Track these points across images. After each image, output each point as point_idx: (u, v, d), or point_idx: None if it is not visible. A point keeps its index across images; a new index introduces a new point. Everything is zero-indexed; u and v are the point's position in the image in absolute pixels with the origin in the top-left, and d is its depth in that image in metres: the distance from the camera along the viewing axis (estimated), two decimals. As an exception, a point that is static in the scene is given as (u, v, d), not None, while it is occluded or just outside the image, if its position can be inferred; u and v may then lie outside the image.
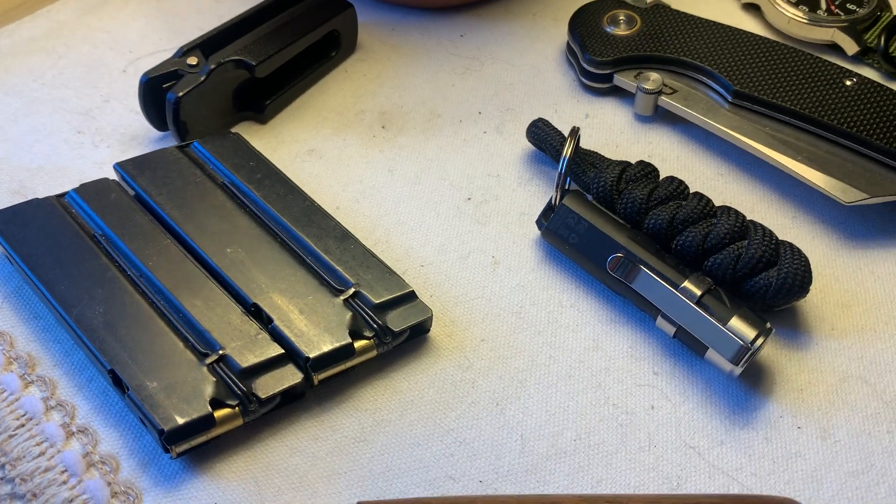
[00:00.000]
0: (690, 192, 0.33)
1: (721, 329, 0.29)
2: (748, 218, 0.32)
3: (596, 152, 0.36)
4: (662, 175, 0.34)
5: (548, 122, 0.37)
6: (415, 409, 0.30)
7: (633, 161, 0.35)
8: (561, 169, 0.33)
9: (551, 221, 0.33)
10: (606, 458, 0.29)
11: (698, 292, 0.30)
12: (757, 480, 0.29)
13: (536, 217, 0.35)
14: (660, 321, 0.31)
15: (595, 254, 0.32)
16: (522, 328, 0.32)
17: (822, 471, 0.29)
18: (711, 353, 0.30)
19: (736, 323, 0.29)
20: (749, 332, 0.29)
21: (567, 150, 0.33)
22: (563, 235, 0.33)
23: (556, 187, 0.33)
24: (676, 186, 0.33)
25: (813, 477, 0.29)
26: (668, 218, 0.32)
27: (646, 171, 0.34)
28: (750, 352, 0.29)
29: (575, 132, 0.34)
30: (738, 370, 0.30)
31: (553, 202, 0.34)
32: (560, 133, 0.36)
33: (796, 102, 0.36)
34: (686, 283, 0.30)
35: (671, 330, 0.31)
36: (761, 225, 0.32)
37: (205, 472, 0.28)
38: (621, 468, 0.29)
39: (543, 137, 0.36)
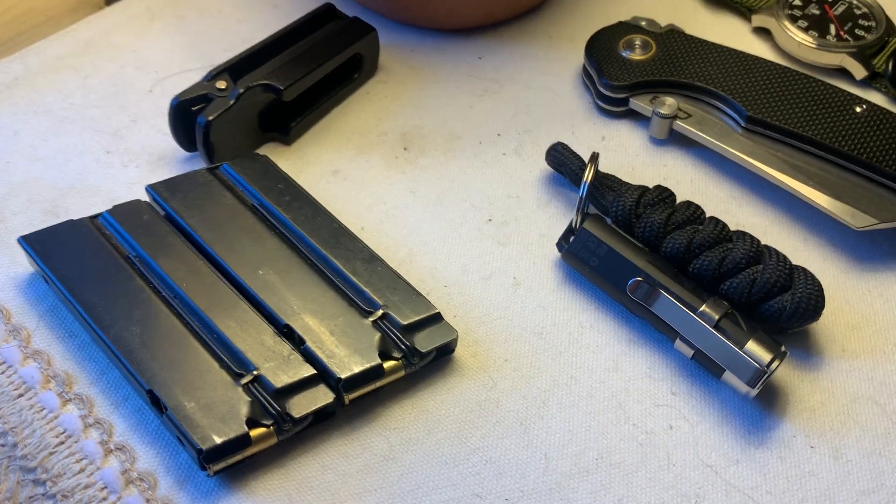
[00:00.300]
0: (706, 216, 0.34)
1: (738, 352, 0.30)
2: (762, 242, 0.34)
3: (614, 176, 0.37)
4: (678, 199, 0.35)
5: (567, 146, 0.38)
6: (441, 428, 0.31)
7: (649, 184, 0.36)
8: (582, 193, 0.34)
9: (572, 245, 0.34)
10: (627, 476, 0.30)
11: (716, 316, 0.31)
12: (772, 498, 0.30)
13: (556, 239, 0.36)
14: (678, 343, 0.32)
15: (615, 277, 0.33)
16: (544, 349, 0.33)
17: (834, 489, 0.30)
18: (728, 376, 0.31)
19: (752, 346, 0.30)
20: (765, 356, 0.30)
21: (588, 175, 0.34)
22: (583, 258, 0.34)
23: (577, 211, 0.35)
24: (693, 211, 0.34)
25: (826, 495, 0.30)
26: (686, 242, 0.33)
27: (663, 195, 0.35)
28: (766, 374, 0.30)
29: (595, 157, 0.35)
30: (753, 392, 0.31)
31: (574, 225, 0.35)
32: (579, 157, 0.37)
33: (808, 128, 0.38)
34: (704, 308, 0.31)
35: (689, 352, 0.32)
36: (775, 250, 0.33)
37: (240, 489, 0.29)
38: (642, 486, 0.30)
39: (563, 161, 0.37)
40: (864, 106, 0.38)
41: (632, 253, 0.33)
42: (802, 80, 0.39)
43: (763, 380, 0.30)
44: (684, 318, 0.31)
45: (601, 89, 0.41)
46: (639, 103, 0.40)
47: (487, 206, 0.38)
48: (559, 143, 0.38)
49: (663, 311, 0.32)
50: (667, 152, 0.40)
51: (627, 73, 0.41)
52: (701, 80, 0.40)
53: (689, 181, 0.39)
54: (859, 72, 0.42)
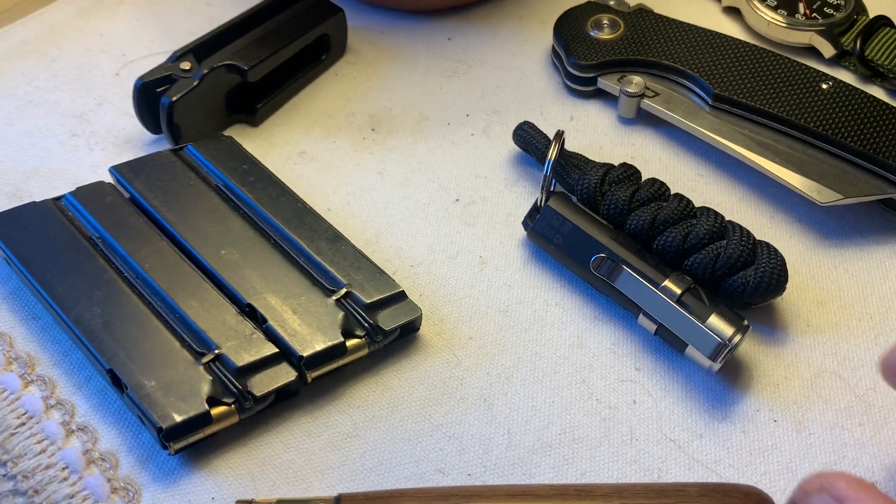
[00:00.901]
0: (671, 193, 0.34)
1: (700, 327, 0.30)
2: (727, 218, 0.34)
3: (580, 154, 0.37)
4: (644, 176, 0.35)
5: (533, 125, 0.38)
6: (405, 406, 0.31)
7: (616, 163, 0.36)
8: (546, 171, 0.34)
9: (537, 222, 0.34)
10: (590, 451, 0.30)
11: (678, 291, 0.31)
12: (734, 472, 0.30)
13: (523, 218, 0.36)
14: (641, 319, 0.32)
15: (579, 254, 0.33)
16: (509, 326, 0.33)
17: (796, 462, 0.30)
18: (691, 350, 0.31)
19: (714, 321, 0.30)
20: (727, 330, 0.30)
21: (552, 153, 0.34)
22: (548, 236, 0.34)
23: (542, 189, 0.34)
24: (658, 188, 0.34)
25: (788, 468, 0.30)
26: (650, 219, 0.33)
27: (628, 172, 0.35)
28: (728, 349, 0.30)
29: (559, 136, 0.35)
30: (716, 366, 0.31)
31: (538, 204, 0.35)
32: (545, 136, 0.37)
33: (774, 105, 0.38)
34: (666, 283, 0.31)
35: (652, 327, 0.32)
36: (739, 225, 0.33)
37: (202, 467, 0.29)
38: (604, 461, 0.30)
39: (529, 140, 0.37)
40: (830, 83, 0.38)
41: (595, 230, 0.33)
42: (769, 58, 0.39)
43: (725, 354, 0.30)
44: (647, 293, 0.31)
45: (569, 69, 0.41)
46: (607, 83, 0.40)
47: (455, 186, 0.38)
48: (525, 123, 0.38)
49: (626, 286, 0.32)
50: (635, 131, 0.40)
51: (595, 52, 0.40)
52: (668, 59, 0.40)
53: (656, 159, 0.39)
54: (828, 50, 0.42)
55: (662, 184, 0.34)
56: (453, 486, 0.27)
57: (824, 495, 0.25)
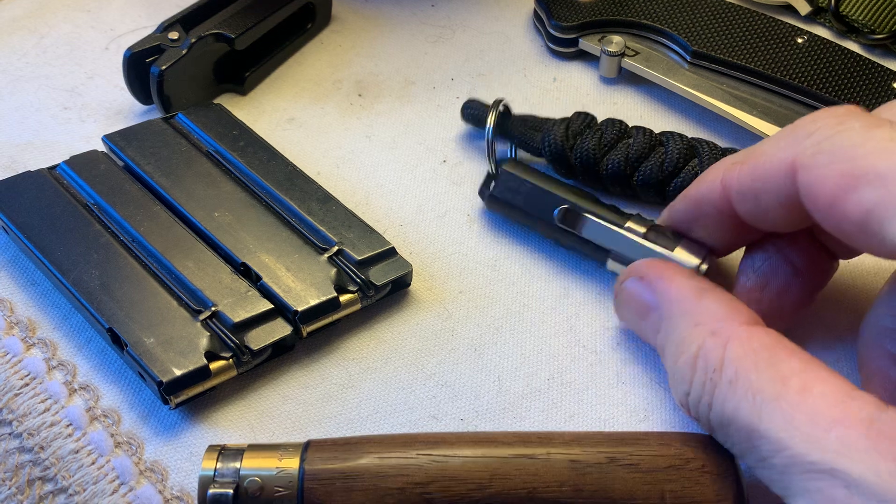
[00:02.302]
0: (630, 127, 0.35)
1: (669, 257, 0.31)
2: (690, 136, 0.35)
3: (532, 115, 0.37)
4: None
5: (475, 100, 0.38)
6: (398, 357, 0.32)
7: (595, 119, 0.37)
8: (488, 137, 0.35)
9: (496, 188, 0.35)
10: (578, 394, 0.31)
11: (642, 230, 0.32)
12: (718, 411, 0.31)
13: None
14: (610, 263, 0.33)
15: (541, 211, 0.33)
16: (497, 280, 0.34)
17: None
18: None
19: (680, 252, 0.31)
20: (693, 259, 0.31)
21: (490, 121, 0.35)
22: (508, 200, 0.34)
23: (489, 157, 0.35)
24: (620, 127, 0.35)
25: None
26: (623, 158, 0.34)
27: (587, 120, 0.36)
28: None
29: (497, 104, 0.36)
30: None
31: (491, 172, 0.35)
32: (488, 107, 0.37)
33: (751, 60, 0.38)
34: (629, 223, 0.32)
35: (621, 268, 0.32)
36: (705, 140, 0.35)
37: (202, 420, 0.30)
38: (592, 403, 0.31)
39: (476, 116, 0.38)
40: (806, 37, 0.39)
41: (554, 185, 0.34)
42: (745, 15, 0.40)
43: None
44: (613, 235, 0.32)
45: (551, 31, 0.41)
46: (588, 43, 0.41)
47: (441, 148, 0.39)
48: (468, 100, 0.38)
49: (592, 233, 0.32)
50: (617, 90, 0.41)
51: (576, 14, 0.41)
52: (647, 18, 0.41)
53: (638, 117, 0.40)
54: (804, 7, 0.43)
55: (621, 121, 0.35)
56: (418, 433, 0.28)
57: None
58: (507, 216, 0.36)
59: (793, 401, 0.23)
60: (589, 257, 0.34)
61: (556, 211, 0.33)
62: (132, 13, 0.44)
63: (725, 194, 0.28)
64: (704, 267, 0.31)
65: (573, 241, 0.33)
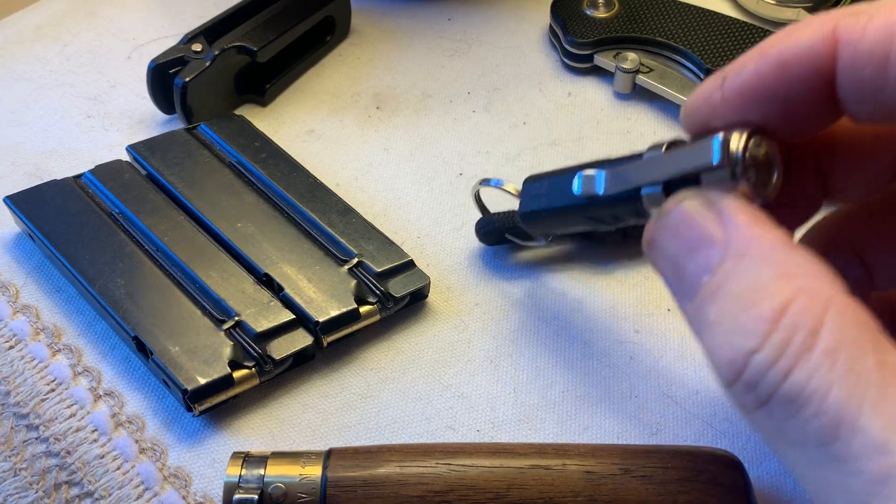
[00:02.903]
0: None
1: (705, 142, 0.24)
2: None
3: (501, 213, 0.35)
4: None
5: (487, 219, 0.36)
6: (416, 368, 0.33)
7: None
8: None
9: (524, 203, 0.31)
10: (592, 407, 0.32)
11: (663, 145, 0.26)
12: (729, 426, 0.32)
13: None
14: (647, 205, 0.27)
15: (565, 195, 0.29)
16: (513, 293, 0.35)
17: (787, 415, 0.32)
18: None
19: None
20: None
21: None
22: (537, 206, 0.31)
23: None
24: None
25: (779, 421, 0.32)
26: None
27: None
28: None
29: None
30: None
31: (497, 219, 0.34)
32: (503, 214, 0.35)
33: (764, 79, 0.39)
34: (646, 152, 0.26)
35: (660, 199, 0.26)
36: None
37: (225, 428, 0.31)
38: (606, 416, 0.32)
39: (491, 230, 0.36)
40: (818, 57, 0.40)
41: (561, 169, 0.30)
42: (758, 34, 0.41)
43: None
44: (634, 172, 0.26)
45: (567, 47, 0.42)
46: (603, 59, 0.42)
47: (458, 161, 0.40)
48: (479, 220, 0.36)
49: (616, 182, 0.27)
50: (630, 106, 0.42)
51: (592, 30, 0.42)
52: (662, 36, 0.41)
53: (651, 133, 0.41)
54: (815, 26, 0.44)
55: None
56: (437, 443, 0.29)
57: (691, 200, 0.23)
58: (541, 229, 0.32)
59: None
60: (631, 236, 0.32)
61: (577, 185, 0.28)
62: (153, 22, 0.45)
63: (833, 57, 0.21)
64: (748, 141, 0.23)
65: (607, 213, 0.28)
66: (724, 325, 0.21)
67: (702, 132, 0.24)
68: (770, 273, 0.20)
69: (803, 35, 0.21)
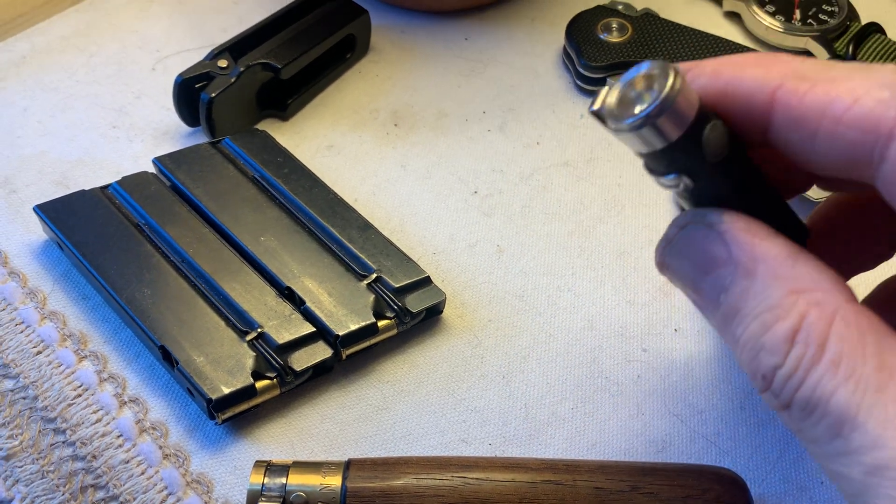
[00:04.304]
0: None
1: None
2: None
3: None
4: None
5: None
6: (431, 381, 0.34)
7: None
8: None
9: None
10: (600, 424, 0.33)
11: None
12: (733, 444, 0.33)
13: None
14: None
15: None
16: (525, 310, 0.36)
17: (790, 435, 0.33)
18: None
19: None
20: None
21: None
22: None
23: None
24: None
25: (782, 440, 0.33)
26: None
27: None
28: None
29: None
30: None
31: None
32: None
33: (772, 107, 0.40)
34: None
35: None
36: None
37: (246, 436, 0.32)
38: (613, 433, 0.33)
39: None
40: (824, 86, 0.41)
41: None
42: (768, 62, 0.42)
43: None
44: None
45: (580, 69, 0.43)
46: (613, 81, 0.43)
47: (473, 179, 0.41)
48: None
49: None
50: (641, 129, 0.43)
51: (605, 54, 0.43)
52: (673, 60, 0.42)
53: (661, 156, 0.42)
54: (822, 55, 0.45)
55: None
56: (452, 457, 0.30)
57: (696, 224, 0.24)
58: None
59: None
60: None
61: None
62: (176, 34, 0.46)
63: (768, 113, 0.23)
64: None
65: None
66: (751, 344, 0.23)
67: None
68: (781, 291, 0.22)
69: (751, 79, 0.23)
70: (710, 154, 0.22)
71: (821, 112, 0.22)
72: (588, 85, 0.44)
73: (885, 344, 0.21)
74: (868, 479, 0.20)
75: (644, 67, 0.21)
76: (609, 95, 0.22)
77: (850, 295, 0.22)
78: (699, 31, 0.44)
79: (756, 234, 0.23)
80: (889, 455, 0.20)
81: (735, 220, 0.24)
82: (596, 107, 0.22)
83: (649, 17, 0.45)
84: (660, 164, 0.23)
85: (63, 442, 0.32)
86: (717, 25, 0.48)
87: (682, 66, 0.23)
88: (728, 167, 0.23)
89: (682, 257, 0.25)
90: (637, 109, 0.21)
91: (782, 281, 0.22)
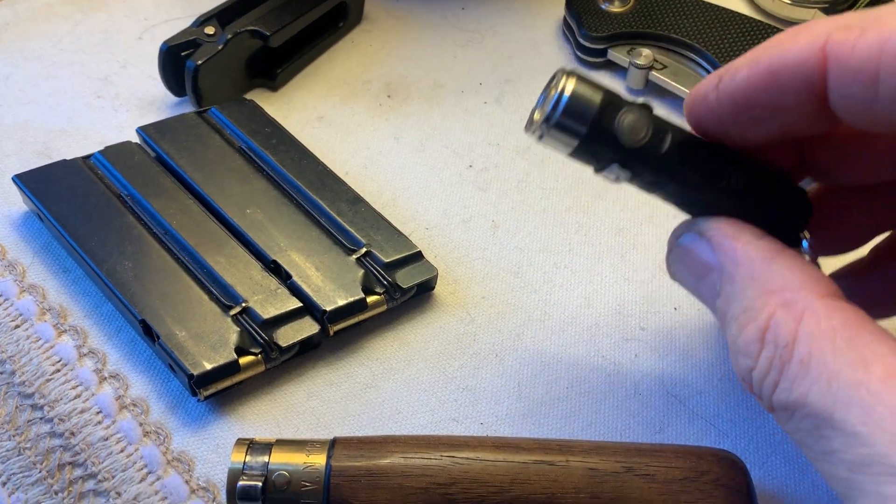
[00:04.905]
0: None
1: None
2: None
3: None
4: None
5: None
6: (421, 359, 0.33)
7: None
8: None
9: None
10: (596, 404, 0.32)
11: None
12: (732, 426, 0.32)
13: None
14: None
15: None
16: (520, 287, 0.35)
17: (790, 418, 0.32)
18: None
19: None
20: None
21: None
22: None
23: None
24: None
25: (782, 423, 0.32)
26: None
27: None
28: None
29: None
30: None
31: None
32: None
33: (778, 79, 0.39)
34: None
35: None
36: None
37: (229, 413, 0.31)
38: (609, 413, 0.32)
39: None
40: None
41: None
42: (773, 33, 0.41)
43: None
44: None
45: (581, 40, 0.42)
46: (617, 54, 0.42)
47: (468, 152, 0.39)
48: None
49: None
50: (642, 102, 0.42)
51: (606, 24, 0.42)
52: (676, 33, 0.41)
53: (663, 130, 0.40)
54: (831, 27, 0.44)
55: None
56: (441, 435, 0.29)
57: (687, 233, 0.25)
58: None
59: (875, 390, 0.20)
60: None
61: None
62: (164, 3, 0.45)
63: (823, 72, 0.21)
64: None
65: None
66: (735, 346, 0.23)
67: (700, 128, 0.25)
68: (753, 293, 0.23)
69: (794, 47, 0.22)
70: (626, 140, 0.23)
71: (877, 52, 0.20)
72: (589, 56, 0.42)
73: (862, 338, 0.21)
74: (853, 477, 0.20)
75: (551, 82, 0.24)
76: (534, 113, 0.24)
77: (827, 291, 0.22)
78: (705, 3, 0.42)
79: (739, 239, 0.24)
80: (869, 451, 0.20)
81: (722, 225, 0.24)
82: (527, 129, 0.25)
83: (652, -14, 0.43)
84: (589, 160, 0.24)
85: (41, 418, 0.31)
86: (722, -3, 0.46)
87: (715, 72, 0.24)
88: (653, 150, 0.24)
89: (680, 266, 0.26)
90: (537, 117, 0.24)
91: (756, 283, 0.23)
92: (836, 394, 0.20)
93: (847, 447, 0.20)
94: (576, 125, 0.23)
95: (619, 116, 0.23)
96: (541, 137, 0.24)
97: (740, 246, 0.24)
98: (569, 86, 0.23)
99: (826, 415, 0.20)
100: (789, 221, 0.26)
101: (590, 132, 0.23)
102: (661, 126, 0.24)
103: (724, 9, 0.42)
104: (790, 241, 0.25)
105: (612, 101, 0.23)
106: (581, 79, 0.23)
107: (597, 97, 0.23)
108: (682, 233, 0.26)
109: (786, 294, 0.22)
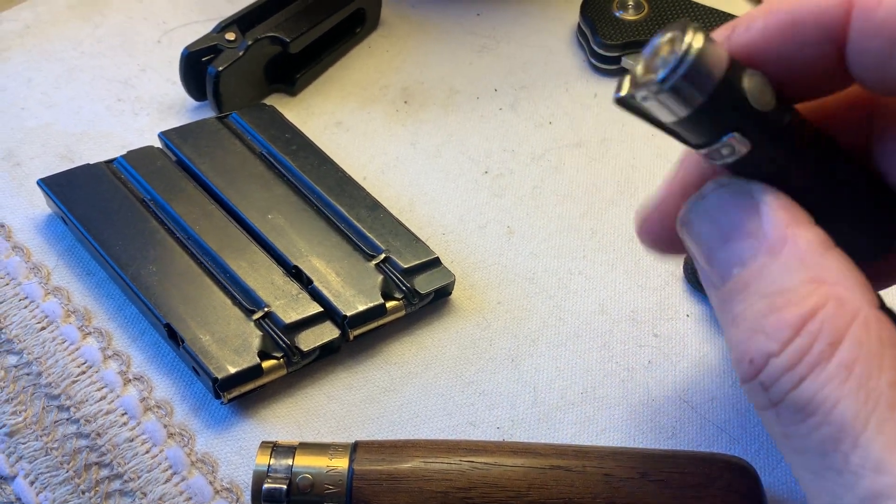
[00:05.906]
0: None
1: None
2: None
3: None
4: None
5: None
6: (438, 364, 0.33)
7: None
8: None
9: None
10: (610, 410, 0.32)
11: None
12: (743, 432, 0.32)
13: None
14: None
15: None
16: (535, 293, 0.36)
17: (800, 424, 0.32)
18: None
19: None
20: None
21: None
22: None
23: None
24: None
25: (792, 429, 0.32)
26: None
27: None
28: None
29: None
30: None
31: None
32: None
33: (790, 89, 0.39)
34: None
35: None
36: None
37: (251, 416, 0.32)
38: (623, 419, 0.32)
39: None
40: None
41: None
42: (787, 43, 0.41)
43: None
44: None
45: (595, 48, 0.42)
46: (630, 61, 0.42)
47: (484, 159, 0.40)
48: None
49: None
50: (656, 110, 0.42)
51: (620, 32, 0.42)
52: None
53: (675, 138, 0.41)
54: (842, 36, 0.44)
55: None
56: (460, 440, 0.30)
57: (731, 189, 0.23)
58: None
59: None
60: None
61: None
62: (182, 6, 0.45)
63: (846, 23, 0.20)
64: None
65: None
66: (749, 324, 0.21)
67: None
68: (801, 277, 0.20)
69: None
70: (755, 101, 0.20)
71: None
72: (603, 64, 0.43)
73: None
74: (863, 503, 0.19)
75: (663, 35, 0.20)
76: (632, 75, 0.21)
77: (878, 302, 0.20)
78: (716, 10, 0.43)
79: (794, 217, 0.21)
80: (891, 482, 0.18)
81: (779, 198, 0.22)
82: (623, 92, 0.21)
83: (666, -6, 0.44)
84: (704, 127, 0.21)
85: (67, 419, 0.32)
86: (733, 3, 0.47)
87: (728, 24, 0.22)
88: (779, 120, 0.21)
89: (707, 217, 0.23)
90: (662, 70, 0.20)
91: (806, 267, 0.21)
92: (870, 413, 0.19)
93: (866, 472, 0.18)
94: (698, 89, 0.20)
95: (746, 77, 0.20)
96: (644, 99, 0.20)
97: (795, 224, 0.21)
98: (696, 43, 0.19)
99: (853, 430, 0.19)
100: (880, 233, 0.23)
101: (715, 95, 0.20)
102: (782, 93, 0.21)
103: (734, 16, 0.42)
104: (866, 253, 0.23)
105: (736, 63, 0.20)
106: (708, 36, 0.20)
107: (725, 57, 0.20)
108: (727, 184, 0.23)
109: (839, 289, 0.20)
